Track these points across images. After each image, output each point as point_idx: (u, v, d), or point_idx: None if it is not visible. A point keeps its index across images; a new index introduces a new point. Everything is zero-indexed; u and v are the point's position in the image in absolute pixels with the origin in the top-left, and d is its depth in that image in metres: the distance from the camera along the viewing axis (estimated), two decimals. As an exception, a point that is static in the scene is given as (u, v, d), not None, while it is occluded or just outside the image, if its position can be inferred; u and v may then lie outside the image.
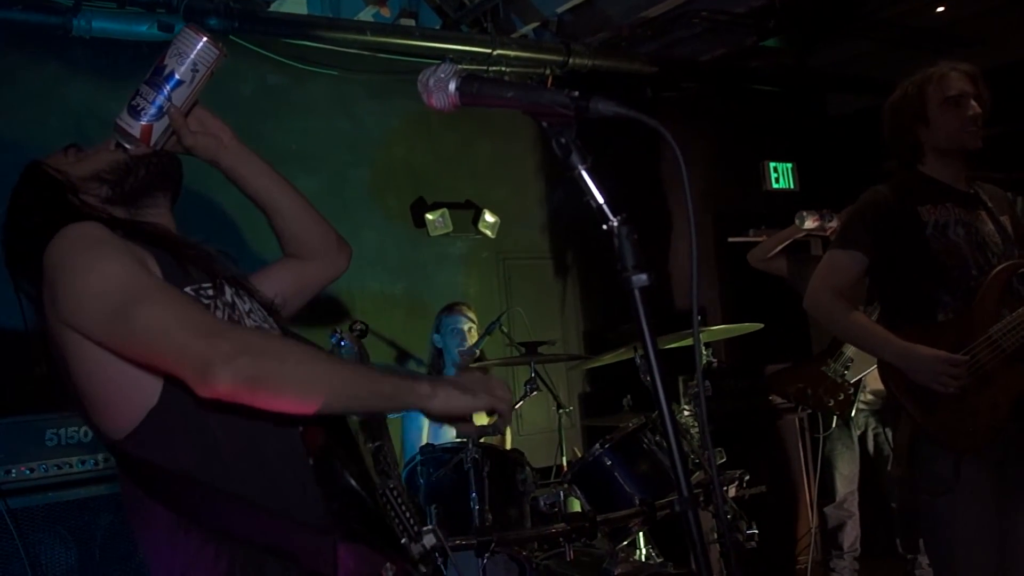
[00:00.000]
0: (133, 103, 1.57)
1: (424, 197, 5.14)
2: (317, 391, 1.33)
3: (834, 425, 4.28)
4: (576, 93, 1.10)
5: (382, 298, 4.66)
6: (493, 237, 5.25)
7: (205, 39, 1.57)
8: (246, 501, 1.40)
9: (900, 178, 2.69)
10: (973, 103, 2.58)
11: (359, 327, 3.09)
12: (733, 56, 5.80)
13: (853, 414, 4.15)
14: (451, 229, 5.05)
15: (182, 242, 1.57)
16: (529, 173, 5.52)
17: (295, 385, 1.32)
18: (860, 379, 4.06)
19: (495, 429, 1.45)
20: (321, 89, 4.85)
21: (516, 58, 4.93)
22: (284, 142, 4.70)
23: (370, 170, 5.03)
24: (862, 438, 4.42)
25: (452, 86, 1.20)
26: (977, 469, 2.44)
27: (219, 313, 1.50)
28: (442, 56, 4.68)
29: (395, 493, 1.47)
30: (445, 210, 5.04)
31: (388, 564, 1.43)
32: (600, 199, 1.09)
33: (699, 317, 3.34)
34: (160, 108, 1.56)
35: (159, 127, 1.58)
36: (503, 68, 4.92)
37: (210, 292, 1.51)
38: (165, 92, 1.56)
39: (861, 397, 4.11)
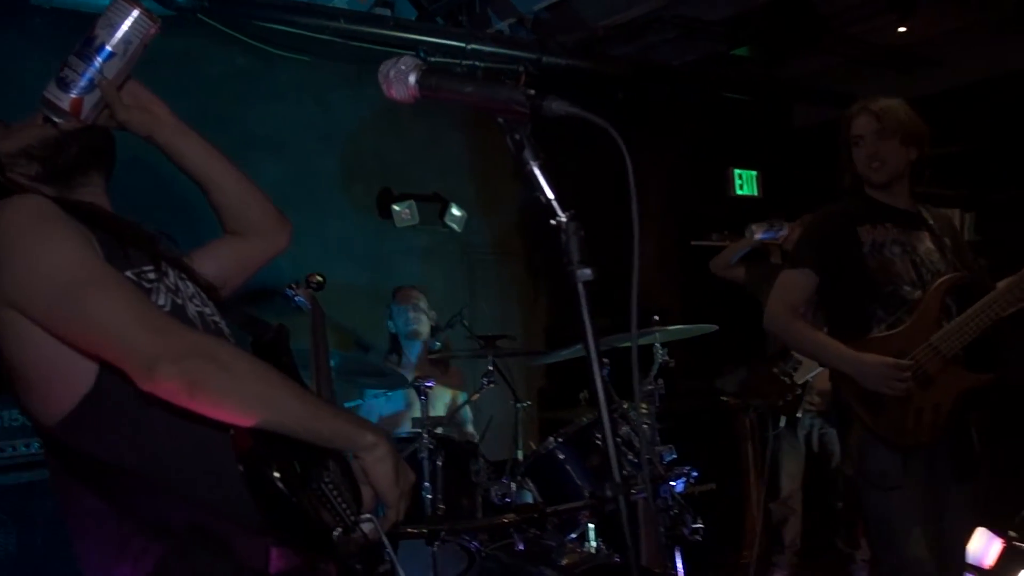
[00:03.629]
0: (61, 75, 1.50)
1: (391, 188, 5.14)
2: (255, 411, 1.34)
3: (782, 424, 4.40)
4: (532, 91, 1.13)
5: (346, 288, 4.65)
6: (459, 231, 5.27)
7: (138, 11, 1.52)
8: (185, 494, 1.39)
9: (846, 200, 2.90)
10: (870, 142, 2.78)
11: (316, 280, 3.08)
12: (704, 63, 5.88)
13: (800, 414, 4.28)
14: (417, 221, 5.05)
15: (121, 222, 1.52)
16: (498, 168, 5.54)
17: (235, 399, 1.33)
18: (807, 381, 4.21)
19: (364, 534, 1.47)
20: (292, 74, 4.83)
21: (490, 54, 4.94)
22: (252, 126, 4.66)
23: (338, 158, 5.02)
24: (807, 438, 4.54)
25: (412, 78, 1.23)
26: (917, 466, 2.64)
27: (163, 297, 1.48)
28: (415, 48, 4.69)
29: (331, 486, 1.46)
30: (412, 202, 5.04)
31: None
32: (550, 195, 1.13)
33: (656, 317, 3.43)
34: (91, 81, 1.51)
35: (90, 100, 1.52)
36: (477, 63, 4.93)
37: (151, 275, 1.49)
38: (96, 64, 1.51)
39: (807, 398, 4.25)
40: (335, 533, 1.43)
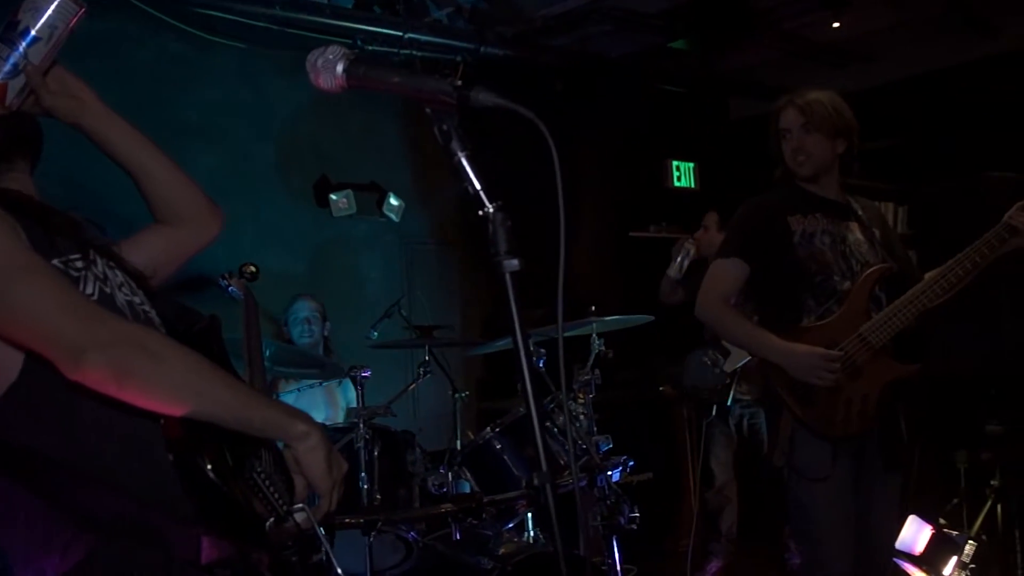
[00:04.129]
0: None
1: (328, 177, 5.08)
2: (185, 400, 1.33)
3: (714, 413, 4.48)
4: (459, 82, 1.14)
5: (282, 278, 4.59)
6: (397, 220, 5.24)
7: None
8: (114, 485, 1.37)
9: (777, 190, 2.91)
10: (796, 136, 2.79)
11: (249, 270, 3.06)
12: (643, 55, 5.94)
13: (730, 403, 4.37)
14: (355, 211, 5.01)
15: (47, 210, 1.49)
16: (436, 158, 5.52)
17: (164, 388, 1.32)
18: (736, 370, 4.29)
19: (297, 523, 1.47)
20: (227, 61, 4.74)
21: (427, 43, 4.92)
22: (186, 114, 4.58)
23: (275, 147, 4.95)
24: (738, 426, 4.64)
25: (339, 68, 1.22)
26: (846, 457, 2.68)
27: (91, 286, 1.46)
28: (352, 36, 4.64)
29: (263, 476, 1.46)
30: (350, 191, 5.00)
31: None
32: (477, 185, 1.13)
33: (593, 308, 3.46)
34: (15, 66, 1.47)
35: (14, 86, 1.49)
36: (414, 52, 4.90)
37: (79, 264, 1.47)
38: (20, 49, 1.47)
39: (738, 388, 4.33)
40: (268, 523, 1.43)
